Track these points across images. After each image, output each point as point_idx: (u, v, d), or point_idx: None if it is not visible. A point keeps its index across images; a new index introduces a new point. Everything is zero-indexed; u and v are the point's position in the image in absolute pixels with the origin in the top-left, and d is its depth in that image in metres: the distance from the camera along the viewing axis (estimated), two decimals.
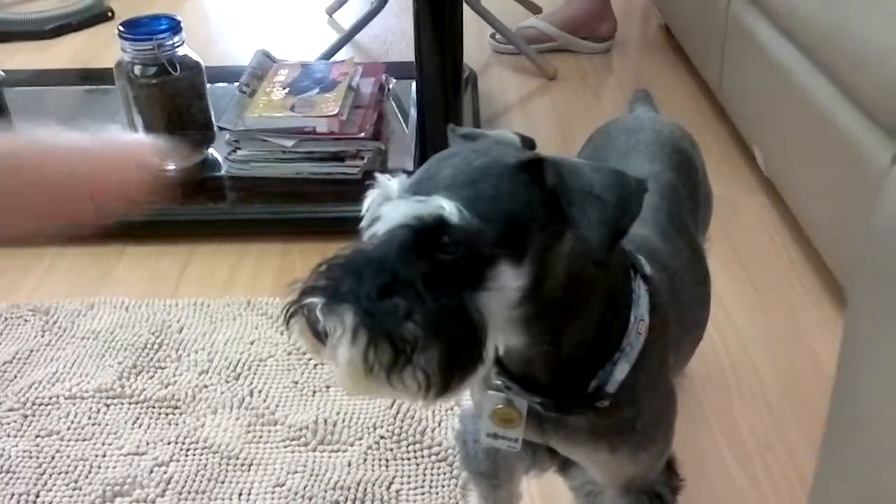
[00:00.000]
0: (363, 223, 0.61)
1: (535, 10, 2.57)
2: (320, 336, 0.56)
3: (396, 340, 0.55)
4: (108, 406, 1.24)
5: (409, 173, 0.64)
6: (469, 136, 0.69)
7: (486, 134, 0.69)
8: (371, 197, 0.62)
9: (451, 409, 1.22)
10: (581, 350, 0.68)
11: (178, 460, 1.15)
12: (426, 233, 0.57)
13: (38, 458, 1.16)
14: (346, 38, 2.39)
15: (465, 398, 0.90)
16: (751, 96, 1.74)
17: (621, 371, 0.68)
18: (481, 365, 0.59)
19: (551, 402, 0.70)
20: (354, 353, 0.55)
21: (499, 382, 0.72)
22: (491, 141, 0.68)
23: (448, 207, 0.57)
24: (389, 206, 0.59)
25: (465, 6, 1.55)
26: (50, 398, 1.25)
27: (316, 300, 0.56)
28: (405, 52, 2.36)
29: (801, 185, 1.50)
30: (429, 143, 1.64)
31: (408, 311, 0.56)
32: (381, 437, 1.18)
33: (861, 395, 0.69)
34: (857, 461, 0.71)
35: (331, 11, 2.73)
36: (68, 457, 1.16)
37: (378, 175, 0.63)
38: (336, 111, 1.65)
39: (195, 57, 1.69)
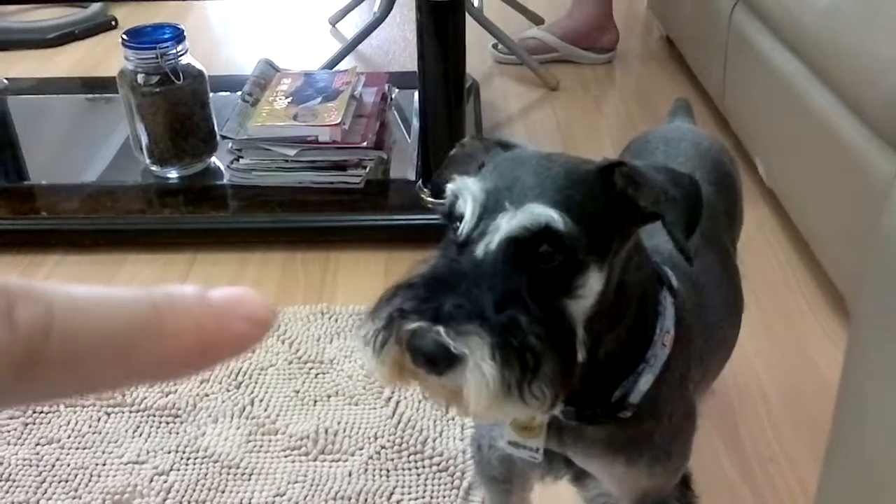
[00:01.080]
0: (465, 234, 0.59)
1: (538, 20, 2.58)
2: (431, 361, 0.53)
3: (526, 356, 0.54)
4: (108, 414, 1.24)
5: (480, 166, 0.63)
6: (505, 145, 0.69)
7: (519, 144, 0.69)
8: (465, 205, 0.60)
9: (452, 418, 1.21)
10: (610, 358, 0.67)
11: (178, 469, 1.15)
12: (528, 242, 0.57)
13: (38, 466, 1.16)
14: (349, 47, 2.39)
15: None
16: (753, 107, 1.74)
17: (646, 382, 0.68)
18: (577, 369, 0.59)
19: (573, 410, 0.69)
20: (493, 374, 0.53)
21: None
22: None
23: (555, 216, 0.57)
24: (498, 218, 0.58)
25: (467, 16, 1.55)
26: (50, 406, 1.25)
27: (423, 324, 0.53)
28: (407, 62, 2.37)
29: (803, 197, 1.50)
30: (431, 152, 1.64)
31: (528, 325, 0.55)
32: (382, 447, 1.17)
33: (865, 407, 0.69)
34: (861, 472, 0.71)
35: (333, 21, 2.74)
36: (68, 465, 1.16)
37: (456, 178, 0.62)
38: (338, 120, 1.66)
39: (198, 66, 1.70)
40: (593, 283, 0.59)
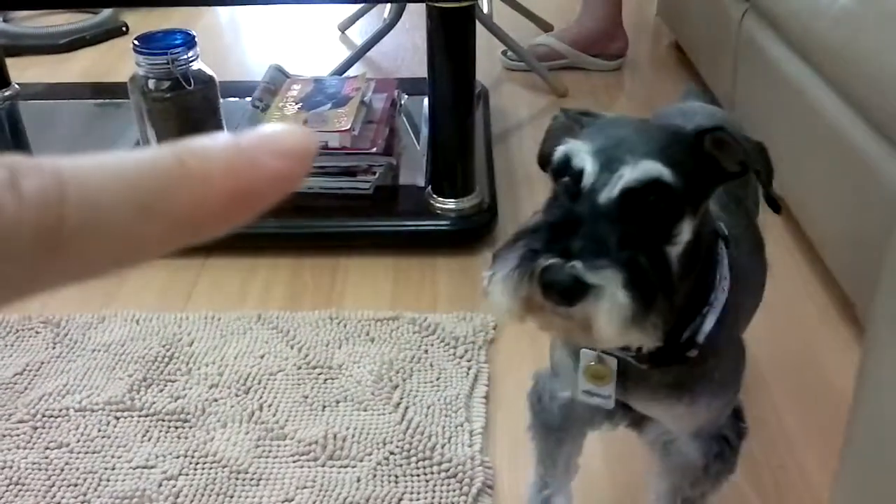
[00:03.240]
0: (588, 185, 0.65)
1: (547, 27, 2.58)
2: (565, 293, 0.60)
3: (646, 290, 0.62)
4: (117, 419, 1.24)
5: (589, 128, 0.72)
6: (590, 114, 0.76)
7: (601, 114, 0.76)
8: (584, 162, 0.66)
9: (462, 425, 1.21)
10: (684, 302, 0.74)
11: (187, 474, 1.15)
12: (639, 193, 0.64)
13: (47, 470, 1.16)
14: (359, 54, 2.40)
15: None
16: (763, 114, 1.73)
17: (709, 323, 0.76)
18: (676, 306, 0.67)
19: (645, 354, 0.74)
20: (626, 303, 0.60)
21: None
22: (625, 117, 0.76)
23: (665, 171, 0.65)
24: (621, 170, 0.65)
25: (476, 23, 1.56)
26: (60, 410, 1.25)
27: (557, 260, 0.61)
28: (417, 68, 2.38)
29: (813, 204, 1.50)
30: (440, 158, 1.64)
31: (648, 265, 0.63)
32: (391, 453, 1.17)
33: (882, 415, 0.69)
34: (877, 481, 0.71)
35: (343, 28, 2.75)
36: (77, 469, 1.16)
37: (568, 141, 0.69)
38: (348, 126, 1.66)
39: (209, 71, 1.70)
40: (686, 232, 0.67)
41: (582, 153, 0.67)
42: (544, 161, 0.77)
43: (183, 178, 0.21)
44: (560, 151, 0.69)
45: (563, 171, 0.68)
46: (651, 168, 0.65)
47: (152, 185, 0.21)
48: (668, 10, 2.53)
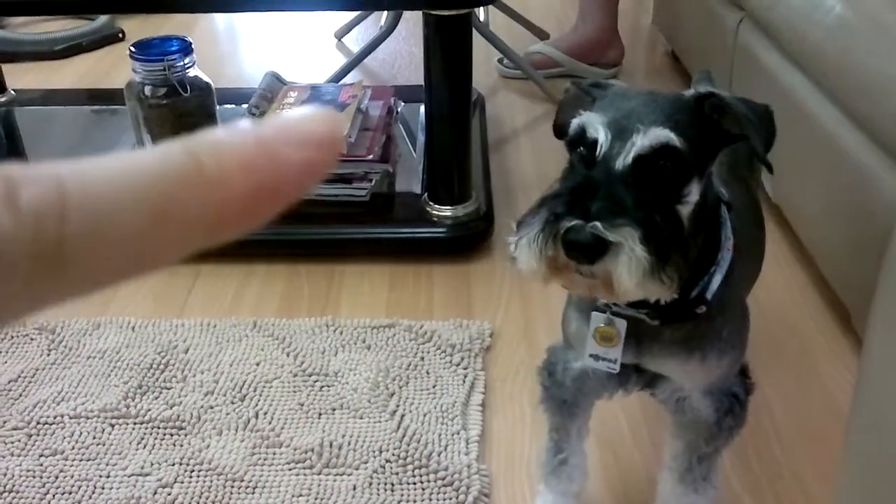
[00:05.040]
0: (602, 153, 0.70)
1: (543, 35, 2.59)
2: (587, 252, 0.65)
3: (662, 245, 0.66)
4: (112, 426, 1.24)
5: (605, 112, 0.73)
6: (601, 85, 0.79)
7: (611, 83, 0.79)
8: (598, 132, 0.71)
9: (458, 433, 1.21)
10: (694, 261, 0.77)
11: (182, 482, 1.15)
12: (649, 158, 0.69)
13: (41, 477, 1.15)
14: (355, 61, 2.40)
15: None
16: None
17: (716, 281, 0.80)
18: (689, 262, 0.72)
19: (656, 312, 0.79)
20: (645, 256, 0.64)
21: (603, 302, 0.82)
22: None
23: (673, 136, 0.69)
24: (633, 138, 0.69)
25: (473, 31, 1.56)
26: (54, 417, 1.25)
27: (578, 221, 0.65)
28: (413, 76, 2.38)
29: (809, 213, 1.50)
30: (437, 165, 1.64)
31: (662, 223, 0.67)
32: (387, 461, 1.17)
33: (881, 423, 0.69)
34: (879, 493, 0.71)
35: (339, 35, 2.75)
36: (72, 477, 1.15)
37: (582, 113, 0.73)
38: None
39: (205, 78, 1.70)
40: (694, 193, 0.71)
41: (596, 124, 0.71)
42: (559, 130, 0.82)
43: (199, 178, 0.19)
44: (575, 124, 0.73)
45: (579, 142, 0.73)
46: (660, 134, 0.69)
47: (165, 188, 0.19)
48: (663, 18, 2.54)
